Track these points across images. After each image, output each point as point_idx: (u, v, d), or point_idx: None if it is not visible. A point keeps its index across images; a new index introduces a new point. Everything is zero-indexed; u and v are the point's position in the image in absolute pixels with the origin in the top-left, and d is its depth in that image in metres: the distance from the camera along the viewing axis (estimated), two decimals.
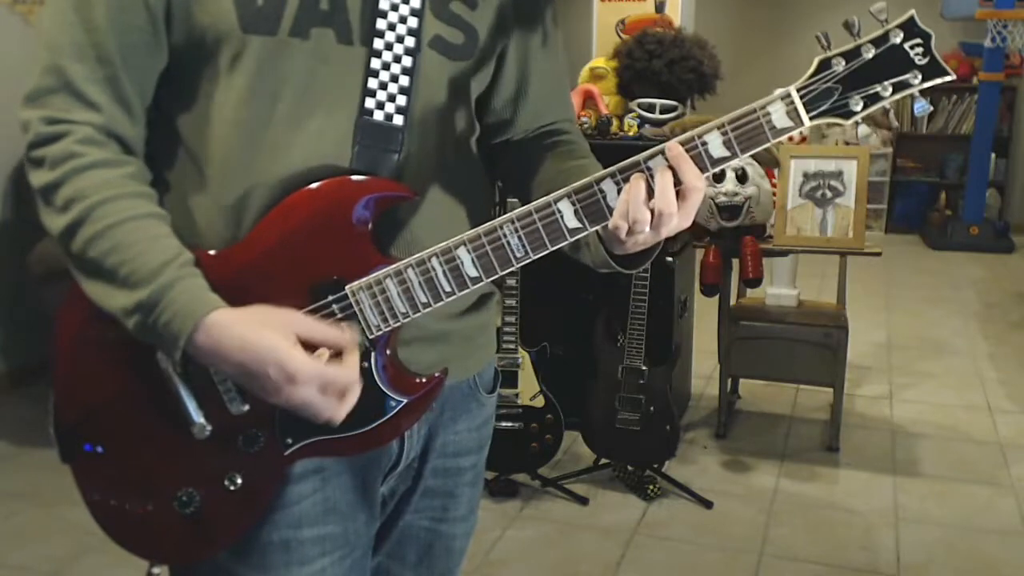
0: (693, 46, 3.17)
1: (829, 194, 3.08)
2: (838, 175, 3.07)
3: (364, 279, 0.97)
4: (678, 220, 0.93)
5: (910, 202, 7.63)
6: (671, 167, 0.92)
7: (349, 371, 0.93)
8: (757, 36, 8.22)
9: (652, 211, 0.93)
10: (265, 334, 0.90)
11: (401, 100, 1.00)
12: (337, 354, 0.94)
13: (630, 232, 0.94)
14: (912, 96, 0.92)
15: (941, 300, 5.50)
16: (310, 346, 0.92)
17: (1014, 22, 5.95)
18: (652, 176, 0.93)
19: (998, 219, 7.24)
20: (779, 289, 3.60)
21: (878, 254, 3.19)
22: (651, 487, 2.97)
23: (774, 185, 3.15)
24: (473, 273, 0.97)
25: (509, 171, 1.19)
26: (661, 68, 3.14)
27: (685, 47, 3.15)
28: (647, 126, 3.21)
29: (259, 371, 0.90)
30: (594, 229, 0.96)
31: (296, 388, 0.90)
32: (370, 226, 0.97)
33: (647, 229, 0.93)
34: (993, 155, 7.01)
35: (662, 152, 0.93)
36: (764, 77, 6.03)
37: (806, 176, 3.09)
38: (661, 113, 3.20)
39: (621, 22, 4.17)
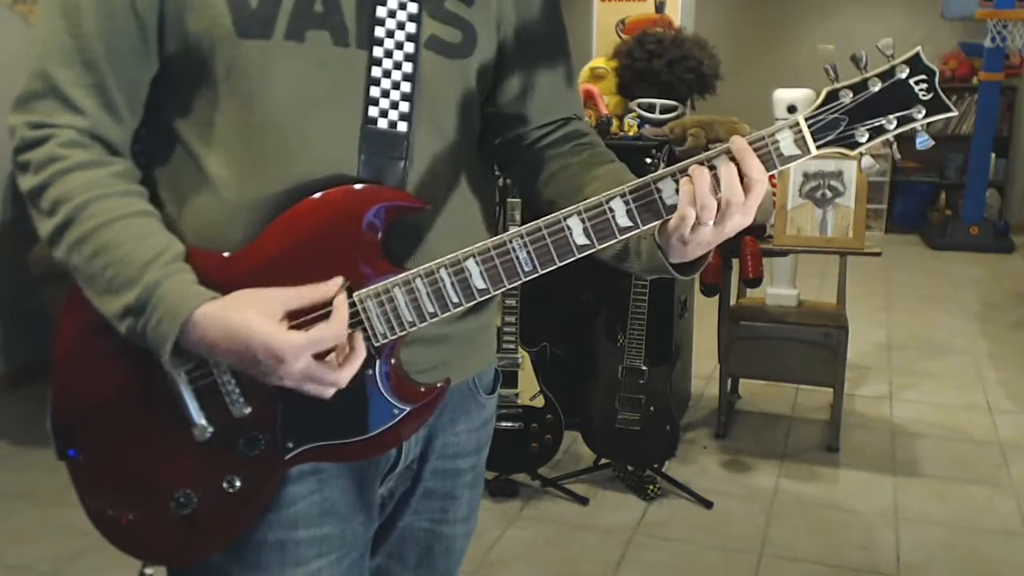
0: (693, 46, 3.17)
1: (829, 194, 3.08)
2: (838, 175, 3.07)
3: (372, 287, 0.96)
4: (741, 215, 0.94)
5: (910, 202, 7.64)
6: (691, 181, 0.93)
7: (336, 327, 0.92)
8: (757, 36, 8.22)
9: (719, 200, 0.93)
10: (247, 316, 0.89)
11: (404, 106, 1.00)
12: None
13: (695, 225, 0.93)
14: (915, 130, 0.95)
15: (941, 300, 5.50)
16: (303, 317, 0.92)
17: (1014, 22, 5.95)
18: (716, 170, 0.93)
19: (998, 219, 7.24)
20: (779, 289, 3.60)
21: (878, 254, 3.19)
22: (651, 487, 2.97)
23: (774, 185, 3.15)
24: (481, 285, 0.97)
25: (527, 173, 1.17)
26: (661, 68, 3.14)
27: (685, 47, 3.15)
28: (647, 126, 3.21)
29: (249, 356, 0.90)
30: (602, 247, 0.96)
31: (289, 364, 0.90)
32: (379, 235, 0.97)
33: (711, 221, 0.93)
34: (993, 155, 7.01)
35: (674, 174, 0.94)
36: (764, 77, 6.03)
37: (806, 176, 3.09)
38: (661, 113, 3.20)
39: (621, 22, 4.17)
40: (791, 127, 0.93)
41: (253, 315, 0.89)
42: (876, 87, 0.93)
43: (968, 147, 7.01)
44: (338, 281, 0.95)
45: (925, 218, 7.52)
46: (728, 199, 0.92)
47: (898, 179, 7.62)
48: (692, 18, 4.46)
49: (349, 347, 0.94)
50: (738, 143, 0.93)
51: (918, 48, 0.93)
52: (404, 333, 0.98)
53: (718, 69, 3.21)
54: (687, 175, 0.94)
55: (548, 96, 1.15)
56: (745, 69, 7.24)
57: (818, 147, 0.94)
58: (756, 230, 3.12)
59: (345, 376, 0.93)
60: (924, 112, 0.93)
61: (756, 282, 3.09)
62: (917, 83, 0.93)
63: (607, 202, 0.95)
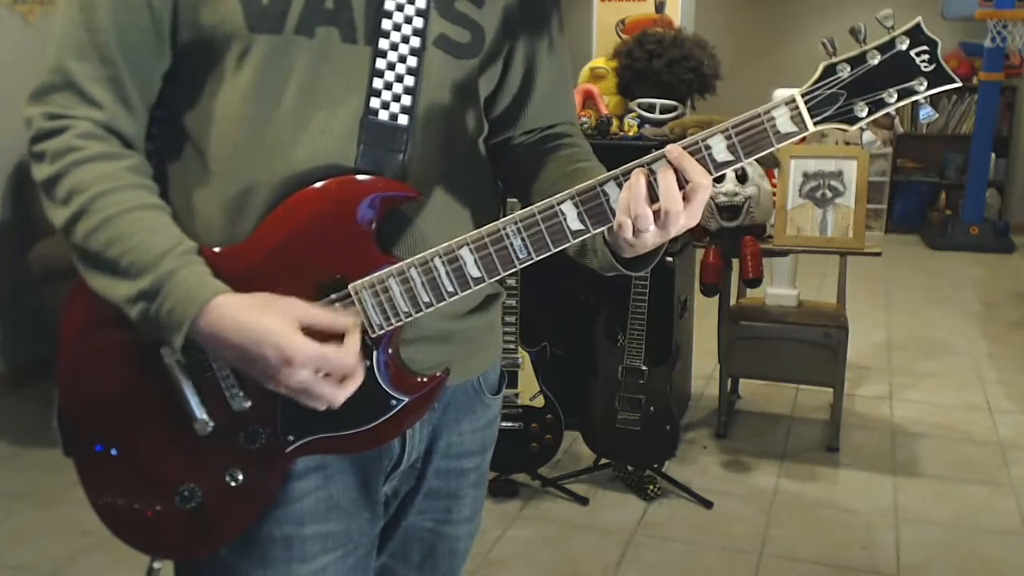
0: (693, 46, 3.17)
1: (829, 194, 3.08)
2: (838, 175, 3.07)
3: (367, 278, 0.97)
4: (685, 219, 0.93)
5: (910, 202, 7.63)
6: (674, 168, 0.92)
7: (348, 354, 0.93)
8: (757, 36, 8.22)
9: (657, 210, 0.92)
10: (264, 318, 0.90)
11: (406, 100, 1.00)
12: (339, 338, 0.94)
13: (635, 231, 0.93)
14: (917, 103, 0.92)
15: (941, 300, 5.50)
16: (313, 333, 0.92)
17: (1014, 22, 5.95)
18: (655, 176, 0.93)
19: (998, 219, 7.24)
20: (779, 289, 3.61)
21: (878, 254, 3.19)
22: (651, 487, 2.97)
23: (774, 185, 3.15)
24: (476, 273, 0.97)
25: (510, 173, 1.19)
26: (661, 68, 3.14)
27: (685, 47, 3.15)
28: (647, 126, 3.21)
29: (257, 353, 0.90)
30: (597, 231, 0.96)
31: (293, 371, 0.90)
32: (374, 225, 0.98)
33: (651, 227, 0.93)
34: (993, 155, 7.01)
35: (664, 155, 0.93)
36: (764, 77, 6.03)
37: (806, 176, 3.09)
38: (661, 113, 3.20)
39: (621, 22, 4.17)
40: (787, 103, 0.91)
41: (269, 317, 0.90)
42: (875, 60, 0.90)
43: (968, 147, 7.00)
44: (357, 321, 0.96)
45: (925, 218, 7.52)
46: (667, 208, 0.92)
47: (898, 179, 7.61)
48: (692, 18, 4.46)
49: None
50: (673, 151, 0.92)
51: (918, 19, 0.90)
52: (400, 323, 0.98)
53: (718, 69, 3.21)
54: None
55: (544, 103, 1.16)
56: (745, 69, 7.24)
57: (815, 123, 0.92)
58: (756, 230, 3.12)
59: (341, 397, 0.94)
60: (926, 84, 0.90)
61: (756, 282, 3.09)
62: (918, 54, 0.90)
63: (600, 185, 0.95)
